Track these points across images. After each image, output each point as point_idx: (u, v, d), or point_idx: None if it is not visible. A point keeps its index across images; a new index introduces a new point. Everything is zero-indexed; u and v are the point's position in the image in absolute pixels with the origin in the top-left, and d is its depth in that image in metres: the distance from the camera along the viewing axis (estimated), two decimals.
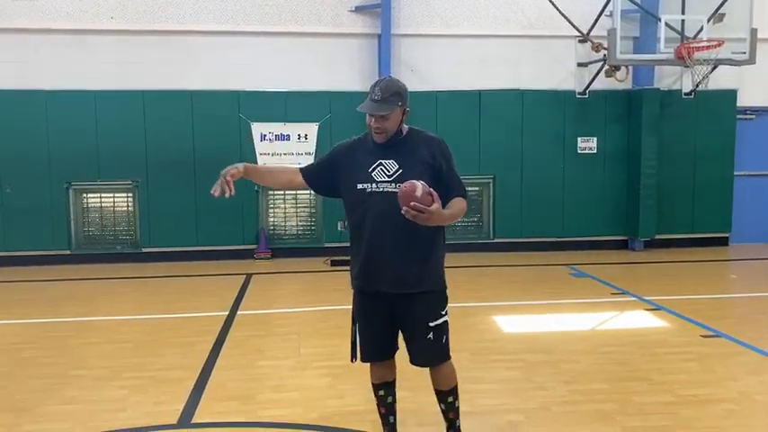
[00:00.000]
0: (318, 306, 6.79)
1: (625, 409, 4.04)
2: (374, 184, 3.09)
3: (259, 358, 5.10)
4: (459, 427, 3.35)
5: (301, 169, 3.39)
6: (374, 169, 3.10)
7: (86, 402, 4.24)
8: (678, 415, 3.95)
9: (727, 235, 10.45)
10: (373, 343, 3.25)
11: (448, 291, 3.24)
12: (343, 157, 3.24)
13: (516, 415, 3.97)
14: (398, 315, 3.15)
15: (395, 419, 3.44)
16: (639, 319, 6.21)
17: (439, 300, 3.16)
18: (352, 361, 3.33)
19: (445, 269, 3.25)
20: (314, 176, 3.34)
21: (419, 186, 2.85)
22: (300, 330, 5.86)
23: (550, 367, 4.82)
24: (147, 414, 4.03)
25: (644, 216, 9.93)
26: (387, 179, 3.07)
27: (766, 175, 10.58)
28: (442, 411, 3.33)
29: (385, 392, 3.37)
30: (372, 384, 3.39)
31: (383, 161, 3.11)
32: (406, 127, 3.22)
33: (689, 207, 10.27)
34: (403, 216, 2.84)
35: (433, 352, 3.16)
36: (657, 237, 10.09)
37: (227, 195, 3.10)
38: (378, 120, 3.07)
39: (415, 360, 3.20)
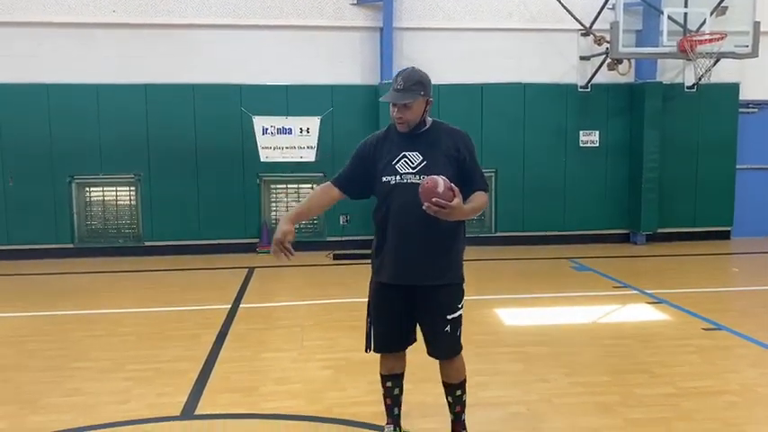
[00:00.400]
0: (320, 299, 6.81)
1: (626, 401, 4.06)
2: (398, 176, 3.10)
3: (262, 351, 5.13)
4: (464, 420, 3.36)
5: (332, 181, 3.32)
6: (398, 161, 3.11)
7: (90, 394, 4.26)
8: (679, 407, 3.97)
9: (728, 229, 10.45)
10: (388, 334, 3.25)
11: (465, 284, 3.26)
12: (369, 151, 3.23)
13: (518, 407, 3.99)
14: (418, 307, 3.16)
15: (399, 411, 3.46)
16: (641, 312, 6.22)
17: (457, 293, 3.19)
18: (366, 351, 3.34)
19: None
20: (347, 182, 3.29)
21: (441, 182, 2.87)
22: (303, 323, 5.88)
23: (552, 359, 4.84)
24: (151, 406, 4.05)
25: (646, 210, 9.93)
26: (411, 171, 3.08)
27: None
28: (449, 404, 3.34)
29: (393, 384, 3.39)
30: (381, 375, 3.40)
31: (407, 153, 3.11)
32: (429, 119, 3.20)
33: (691, 201, 10.26)
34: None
35: (449, 345, 3.19)
36: (659, 230, 10.09)
37: (289, 260, 3.12)
38: (400, 109, 3.06)
39: (433, 352, 3.22)
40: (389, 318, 3.22)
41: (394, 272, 3.13)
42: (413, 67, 3.15)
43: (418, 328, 3.27)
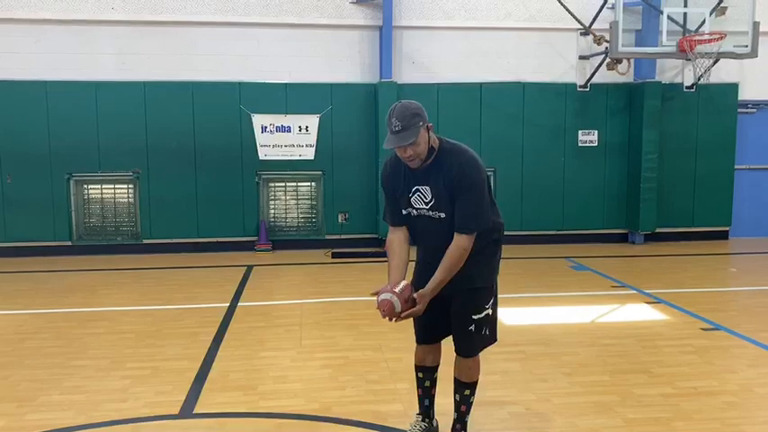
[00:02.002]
0: (319, 298, 6.81)
1: (625, 401, 4.06)
2: (415, 210, 3.19)
3: (260, 349, 5.13)
4: (467, 422, 3.38)
5: (389, 224, 3.32)
6: (413, 195, 3.17)
7: (89, 392, 4.26)
8: (678, 407, 3.97)
9: (727, 229, 10.46)
10: (422, 328, 3.38)
11: (497, 285, 3.32)
12: (390, 185, 3.27)
13: (516, 407, 3.99)
14: (449, 307, 3.25)
15: (430, 403, 3.49)
16: (640, 312, 6.23)
17: (484, 295, 3.23)
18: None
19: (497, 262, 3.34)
20: (398, 217, 3.27)
21: (396, 303, 2.95)
22: (301, 322, 5.87)
23: (550, 359, 4.84)
24: (149, 404, 4.05)
25: (644, 209, 9.93)
26: (424, 206, 3.15)
27: (767, 168, 10.58)
28: (455, 402, 3.36)
29: (423, 375, 3.45)
30: (414, 366, 3.48)
31: (419, 187, 3.15)
32: (436, 141, 3.14)
33: (689, 201, 10.27)
34: (447, 231, 3.05)
35: (469, 343, 3.24)
36: (658, 230, 10.09)
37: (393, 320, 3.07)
38: (408, 149, 3.01)
39: (454, 346, 3.29)
40: (426, 314, 3.25)
41: (424, 281, 3.18)
42: (401, 103, 3.06)
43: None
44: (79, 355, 5.00)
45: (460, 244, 3.03)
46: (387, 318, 2.98)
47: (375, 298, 3.02)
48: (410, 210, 3.19)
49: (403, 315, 2.98)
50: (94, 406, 4.03)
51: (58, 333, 5.60)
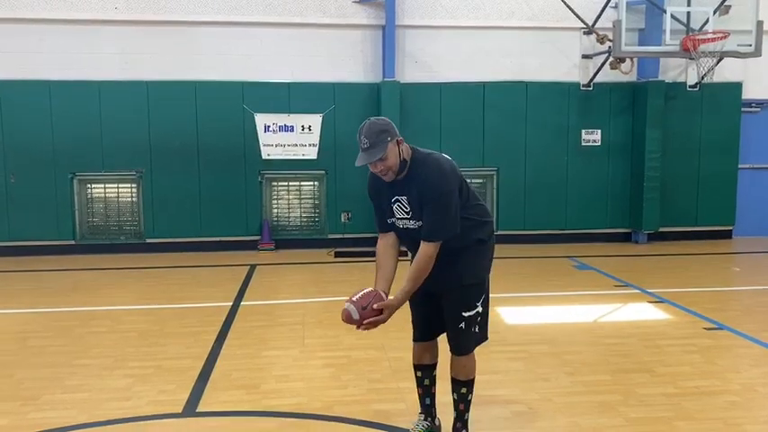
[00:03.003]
0: (322, 297, 6.82)
1: (627, 401, 4.06)
2: (397, 220, 3.25)
3: (263, 348, 5.13)
4: (466, 420, 3.38)
5: (379, 231, 3.37)
6: (394, 204, 3.23)
7: (92, 391, 4.27)
8: (680, 406, 3.97)
9: (730, 228, 10.44)
10: (416, 326, 3.45)
11: (488, 283, 3.37)
12: (375, 195, 3.33)
13: (519, 406, 3.99)
14: (441, 305, 3.30)
15: (431, 402, 3.51)
16: (642, 312, 6.22)
17: (474, 293, 3.27)
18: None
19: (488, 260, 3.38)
20: (386, 225, 3.32)
21: (353, 311, 3.02)
22: (304, 321, 5.88)
23: (553, 358, 4.84)
24: (152, 403, 4.06)
25: (647, 209, 9.92)
26: (405, 215, 3.21)
27: None
28: (454, 401, 3.38)
29: (422, 374, 3.49)
30: (413, 365, 3.51)
31: (399, 198, 3.21)
32: (409, 152, 3.18)
33: (693, 200, 10.25)
34: None
35: (461, 341, 3.27)
36: (661, 229, 10.08)
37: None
38: (377, 164, 3.10)
39: (450, 347, 3.32)
40: (417, 312, 3.41)
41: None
42: (369, 120, 3.13)
43: None
44: (82, 354, 5.01)
45: (426, 252, 3.11)
46: (349, 324, 3.06)
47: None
48: (393, 219, 3.27)
49: (365, 322, 3.03)
50: (97, 404, 4.04)
51: (61, 332, 5.62)
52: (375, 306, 3.04)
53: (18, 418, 3.86)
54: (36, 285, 7.61)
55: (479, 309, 3.27)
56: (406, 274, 3.15)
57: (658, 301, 6.52)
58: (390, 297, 3.14)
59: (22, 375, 4.58)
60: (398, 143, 3.12)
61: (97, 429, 3.70)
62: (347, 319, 3.05)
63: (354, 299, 3.06)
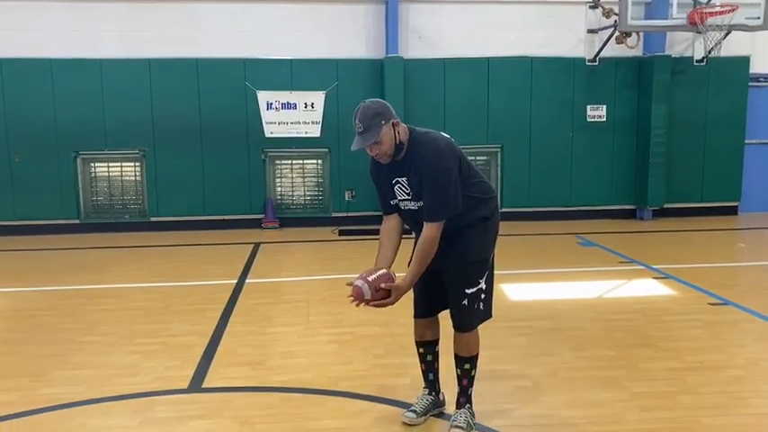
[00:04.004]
0: (326, 275, 6.83)
1: (632, 375, 4.06)
2: (398, 201, 3.24)
3: (268, 325, 5.16)
4: (470, 395, 3.40)
5: (383, 213, 3.35)
6: (395, 186, 3.21)
7: (99, 367, 4.30)
8: (684, 381, 3.98)
9: (736, 204, 10.40)
10: (417, 302, 3.44)
11: (492, 259, 3.35)
12: (376, 176, 3.32)
13: (523, 380, 4.01)
14: (443, 282, 3.29)
15: (435, 377, 3.53)
16: (647, 287, 6.21)
17: (477, 269, 3.26)
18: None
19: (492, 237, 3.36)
20: (389, 206, 3.30)
21: (365, 290, 2.99)
22: (309, 298, 5.90)
23: (557, 334, 4.85)
24: (159, 379, 4.09)
25: (653, 185, 9.87)
26: (407, 197, 3.19)
27: None
28: (457, 376, 3.39)
29: (424, 350, 3.50)
30: (415, 342, 3.52)
31: (399, 179, 3.19)
32: (406, 133, 3.15)
33: (698, 176, 10.20)
34: None
35: (464, 318, 3.27)
36: (666, 206, 10.04)
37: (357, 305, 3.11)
38: (373, 147, 3.08)
39: (453, 324, 3.32)
40: (420, 289, 3.38)
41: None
42: (363, 103, 3.11)
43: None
44: (89, 331, 5.04)
45: (428, 233, 3.10)
46: (355, 303, 3.05)
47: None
48: (396, 201, 3.26)
49: (372, 303, 3.04)
50: (105, 380, 4.07)
51: (67, 310, 5.65)
52: (383, 286, 3.02)
53: (27, 393, 3.89)
54: (41, 264, 7.65)
55: (482, 286, 3.27)
56: (412, 257, 3.14)
57: (663, 276, 6.51)
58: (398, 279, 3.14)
59: (31, 352, 4.61)
60: (394, 125, 3.09)
61: (105, 405, 3.73)
62: (357, 295, 3.02)
63: (369, 279, 3.03)
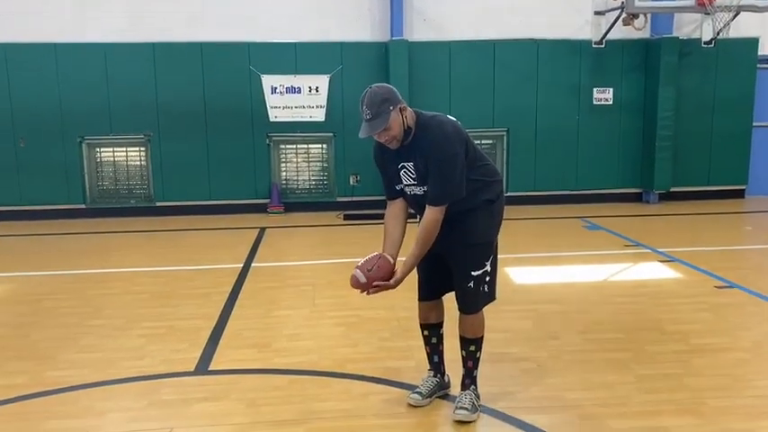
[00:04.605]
0: (332, 259, 6.84)
1: (638, 358, 4.06)
2: (404, 186, 3.22)
3: (274, 309, 5.17)
4: (475, 377, 3.41)
5: (387, 198, 3.33)
6: (401, 171, 3.19)
7: (106, 350, 4.33)
8: (690, 363, 3.98)
9: (743, 187, 10.34)
10: (422, 285, 3.44)
11: (497, 242, 3.34)
12: (381, 161, 3.30)
13: (529, 363, 4.01)
14: (448, 265, 3.30)
15: (440, 359, 3.55)
16: (653, 271, 6.20)
17: (482, 251, 3.25)
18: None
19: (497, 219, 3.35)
20: (394, 191, 3.28)
21: (359, 275, 3.05)
22: (314, 282, 5.91)
23: (563, 317, 4.85)
24: (165, 361, 4.11)
25: (659, 168, 9.82)
26: (413, 182, 3.18)
27: None
28: (462, 358, 3.40)
29: (429, 333, 3.51)
30: (419, 324, 3.54)
31: (405, 164, 3.17)
32: (413, 118, 3.12)
33: (705, 159, 10.13)
34: None
35: (469, 300, 3.27)
36: (673, 189, 9.99)
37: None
38: (381, 134, 3.07)
39: (459, 306, 3.33)
40: (424, 272, 3.40)
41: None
42: (370, 89, 3.08)
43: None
44: (95, 315, 5.07)
45: (431, 216, 3.09)
46: (359, 290, 3.09)
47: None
48: (401, 186, 3.24)
49: (373, 284, 3.05)
50: (112, 363, 4.10)
51: (73, 294, 5.68)
52: (376, 265, 3.05)
53: (35, 376, 3.92)
54: (48, 249, 7.68)
55: (487, 268, 3.27)
56: (414, 239, 3.14)
57: (669, 260, 6.49)
58: (400, 261, 3.14)
59: (38, 336, 4.65)
60: (401, 110, 3.07)
61: (112, 387, 3.76)
62: (355, 283, 3.07)
63: (359, 263, 3.09)
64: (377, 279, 3.06)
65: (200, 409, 3.47)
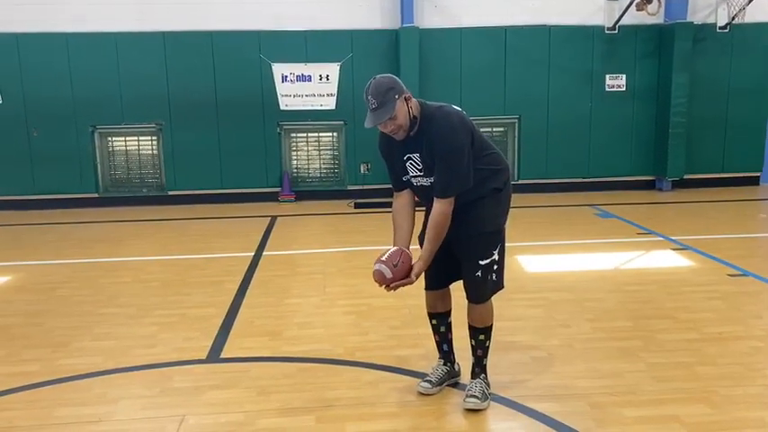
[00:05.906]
0: (342, 247, 6.85)
1: (648, 346, 4.04)
2: (410, 177, 3.21)
3: (285, 297, 5.19)
4: (485, 365, 3.41)
5: (394, 189, 3.32)
6: (407, 162, 3.18)
7: (119, 338, 4.37)
8: (701, 352, 3.95)
9: (758, 174, 10.22)
10: (429, 274, 3.40)
11: (504, 230, 3.32)
12: (387, 153, 3.29)
13: (538, 351, 4.00)
14: (455, 254, 3.28)
15: (449, 348, 3.55)
16: (665, 259, 6.15)
17: (490, 240, 3.24)
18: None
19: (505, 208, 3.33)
20: (400, 182, 3.28)
21: (385, 270, 3.02)
22: (325, 270, 5.92)
23: (574, 305, 4.83)
24: (177, 350, 4.14)
25: (672, 155, 9.72)
26: (419, 173, 3.17)
27: None
28: (472, 347, 3.40)
29: (437, 322, 3.51)
30: (427, 314, 3.54)
31: (411, 155, 3.15)
32: (418, 108, 3.10)
33: (719, 146, 10.03)
34: None
35: (478, 289, 3.26)
36: (686, 177, 9.90)
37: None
38: (387, 124, 3.04)
39: (466, 294, 3.32)
40: (432, 261, 3.34)
41: None
42: (375, 79, 3.06)
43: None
44: (108, 303, 5.11)
45: (440, 209, 3.08)
46: (383, 287, 3.07)
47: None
48: (408, 177, 3.23)
49: (395, 283, 3.04)
50: (125, 351, 4.14)
51: (86, 282, 5.73)
52: (401, 260, 3.03)
53: (49, 363, 3.97)
54: (61, 237, 7.75)
55: (495, 257, 3.25)
56: (424, 231, 3.13)
57: (681, 248, 6.44)
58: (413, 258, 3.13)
59: (52, 324, 4.69)
60: (407, 100, 3.05)
61: (125, 375, 3.80)
62: (380, 279, 3.04)
63: (383, 258, 3.04)
64: (402, 273, 3.04)
65: (212, 396, 3.49)
